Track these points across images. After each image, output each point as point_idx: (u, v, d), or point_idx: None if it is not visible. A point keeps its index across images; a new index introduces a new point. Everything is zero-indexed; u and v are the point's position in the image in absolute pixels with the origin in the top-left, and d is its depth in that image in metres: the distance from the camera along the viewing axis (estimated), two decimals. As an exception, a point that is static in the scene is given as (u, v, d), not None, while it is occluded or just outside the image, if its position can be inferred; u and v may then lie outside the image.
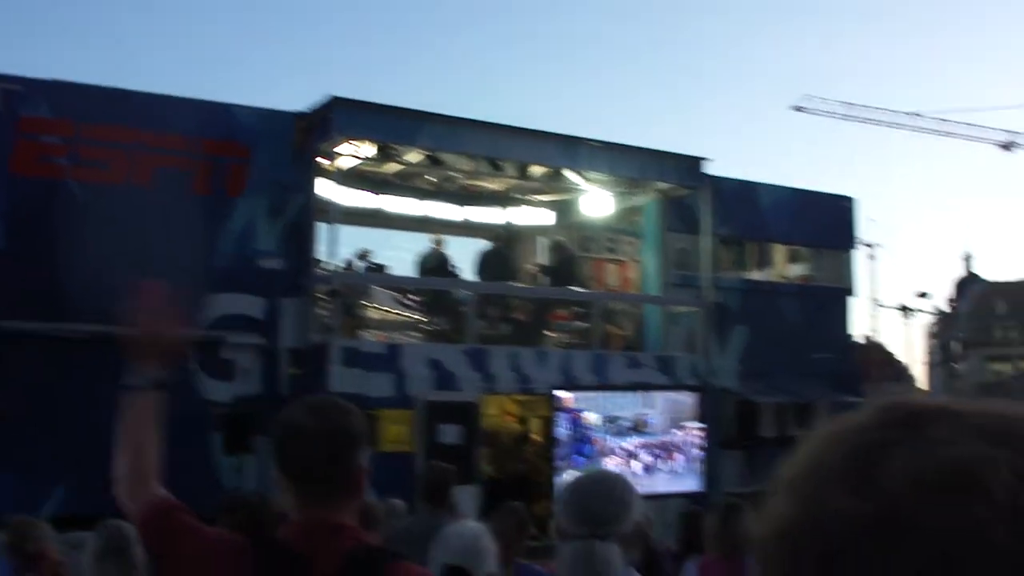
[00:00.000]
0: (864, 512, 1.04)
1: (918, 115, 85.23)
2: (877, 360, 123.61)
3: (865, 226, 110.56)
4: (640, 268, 25.39)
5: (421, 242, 23.65)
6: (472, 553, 5.15)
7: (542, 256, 26.05)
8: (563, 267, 23.14)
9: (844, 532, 1.04)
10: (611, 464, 18.11)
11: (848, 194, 28.83)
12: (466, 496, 16.36)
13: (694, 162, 23.89)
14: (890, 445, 1.08)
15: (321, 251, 20.66)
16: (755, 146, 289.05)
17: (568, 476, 17.73)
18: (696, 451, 19.28)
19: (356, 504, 3.48)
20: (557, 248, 23.46)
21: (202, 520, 3.62)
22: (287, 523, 3.40)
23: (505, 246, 23.60)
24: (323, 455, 3.33)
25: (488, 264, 22.65)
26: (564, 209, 26.39)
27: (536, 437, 21.11)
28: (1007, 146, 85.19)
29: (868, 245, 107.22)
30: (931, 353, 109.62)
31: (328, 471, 3.34)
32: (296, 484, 3.36)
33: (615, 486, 4.22)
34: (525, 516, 8.29)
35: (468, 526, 5.58)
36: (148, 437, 3.86)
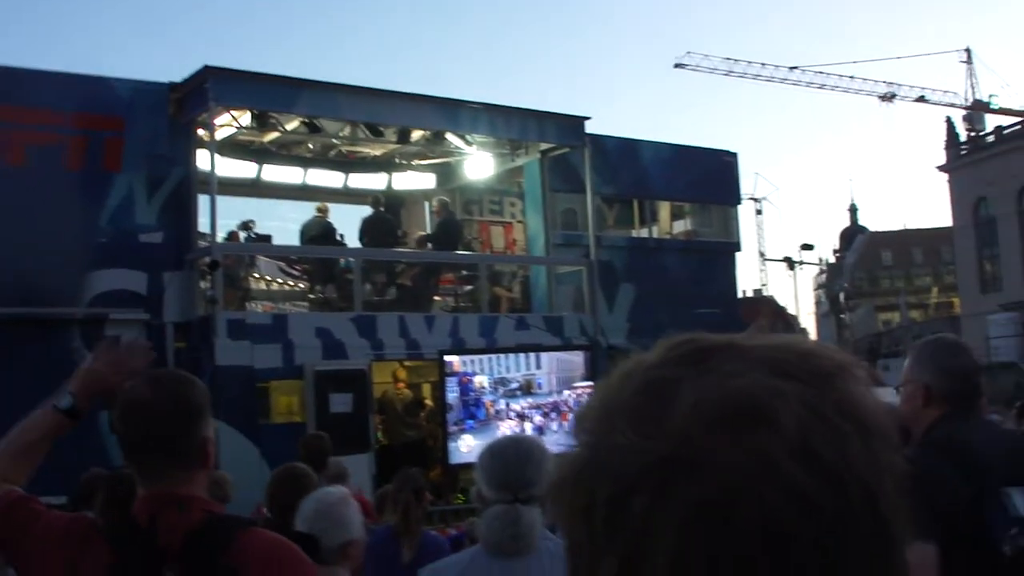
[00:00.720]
0: (652, 449, 1.02)
1: (798, 68, 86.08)
2: (768, 313, 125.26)
3: (751, 181, 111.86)
4: (525, 229, 25.41)
5: (305, 211, 23.47)
6: (327, 520, 5.07)
7: (428, 220, 26.03)
8: (446, 231, 23.06)
9: (634, 471, 1.03)
10: (503, 427, 18.12)
11: (731, 149, 29.06)
12: (359, 464, 16.34)
13: (575, 121, 23.90)
14: (676, 381, 1.07)
15: (203, 223, 20.38)
16: (639, 104, 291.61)
17: (469, 442, 17.77)
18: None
19: (203, 475, 3.45)
20: (439, 212, 23.37)
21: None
22: (138, 498, 3.36)
23: (386, 211, 23.47)
24: (163, 428, 3.32)
25: (370, 230, 22.52)
26: (447, 172, 26.37)
27: (429, 403, 21.09)
28: (887, 97, 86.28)
29: (755, 200, 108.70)
30: (819, 304, 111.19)
31: (169, 443, 3.32)
32: (139, 458, 3.37)
33: (532, 450, 4.32)
34: (422, 482, 8.27)
35: (329, 492, 5.51)
36: (33, 452, 3.91)
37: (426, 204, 26.64)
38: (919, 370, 4.52)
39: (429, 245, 23.42)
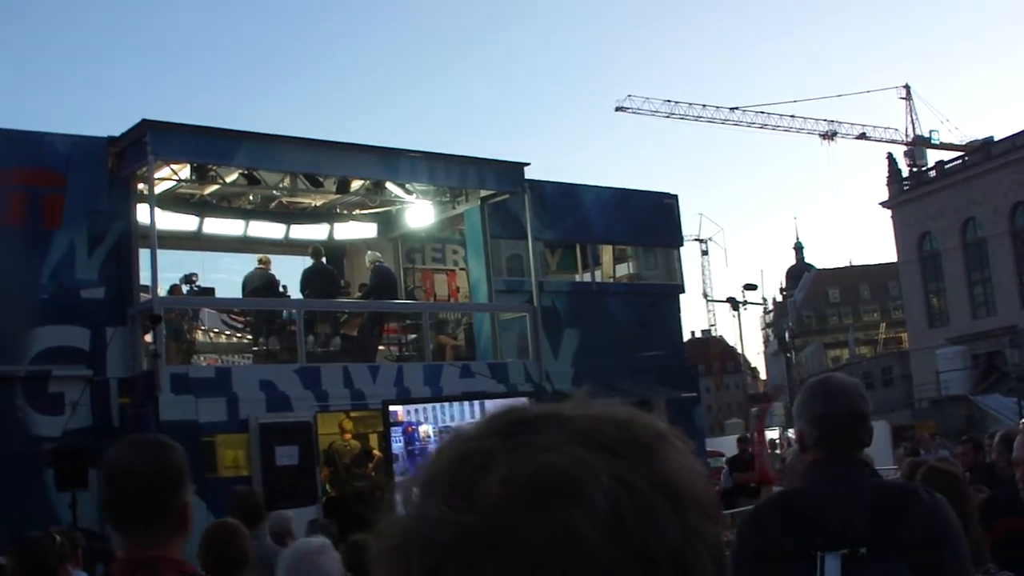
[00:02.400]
0: (462, 521, 1.04)
1: (739, 109, 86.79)
2: (717, 353, 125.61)
3: (696, 222, 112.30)
4: (468, 276, 25.44)
5: (247, 263, 23.45)
6: (306, 572, 5.12)
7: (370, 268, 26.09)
8: (382, 286, 23.04)
9: (446, 543, 1.04)
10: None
11: (670, 191, 29.23)
12: (306, 516, 16.27)
13: (515, 167, 24.01)
14: (489, 453, 1.08)
15: (144, 277, 20.30)
16: (581, 149, 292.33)
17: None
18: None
19: (181, 539, 3.52)
20: (374, 268, 23.33)
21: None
22: (114, 560, 3.44)
23: (328, 261, 23.46)
24: (144, 493, 3.39)
25: (311, 281, 22.51)
26: (388, 221, 26.38)
27: (377, 453, 21.02)
28: (829, 135, 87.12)
29: (700, 240, 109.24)
30: (767, 343, 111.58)
31: (149, 507, 3.39)
32: (120, 522, 3.45)
33: None
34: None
35: (308, 543, 5.55)
36: None
37: (368, 254, 26.70)
38: (796, 415, 4.48)
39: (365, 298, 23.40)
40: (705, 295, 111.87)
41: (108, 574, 2.92)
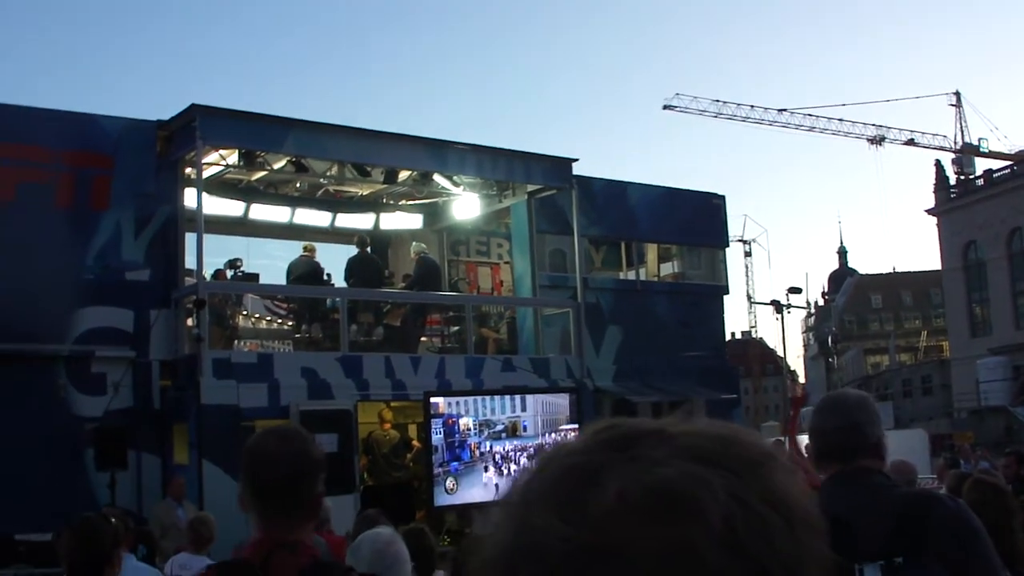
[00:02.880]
0: (574, 537, 1.01)
1: (787, 111, 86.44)
2: (757, 355, 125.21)
3: (740, 223, 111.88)
4: (512, 270, 25.43)
5: (292, 249, 23.47)
6: (385, 561, 5.11)
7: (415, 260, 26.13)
8: (426, 277, 23.03)
9: (556, 558, 1.01)
10: (488, 469, 18.07)
11: (718, 192, 29.13)
12: (344, 505, 16.27)
13: (563, 163, 23.98)
14: (600, 467, 1.06)
15: (189, 261, 20.40)
16: (627, 146, 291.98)
17: (453, 485, 17.71)
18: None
19: (311, 526, 3.78)
20: (419, 259, 23.32)
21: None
22: (251, 541, 3.63)
23: (373, 251, 23.47)
24: (287, 482, 3.58)
25: (356, 270, 22.52)
26: (434, 213, 26.38)
27: (416, 444, 21.00)
28: (877, 140, 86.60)
29: (743, 241, 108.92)
30: (807, 347, 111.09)
31: (289, 494, 3.58)
32: (262, 506, 3.61)
33: None
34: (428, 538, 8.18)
35: (380, 534, 5.54)
36: None
37: (412, 244, 26.71)
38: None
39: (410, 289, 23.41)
40: (749, 297, 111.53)
41: (244, 554, 3.00)
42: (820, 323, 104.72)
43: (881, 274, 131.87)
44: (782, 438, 26.88)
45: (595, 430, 1.12)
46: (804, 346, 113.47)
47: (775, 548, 1.02)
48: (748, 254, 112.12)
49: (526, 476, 1.12)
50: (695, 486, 1.02)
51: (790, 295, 46.53)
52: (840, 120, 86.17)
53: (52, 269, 18.84)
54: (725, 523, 1.00)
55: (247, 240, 25.30)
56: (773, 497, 1.06)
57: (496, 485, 18.08)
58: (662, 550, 0.99)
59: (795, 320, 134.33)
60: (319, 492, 3.67)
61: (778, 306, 42.31)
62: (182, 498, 17.47)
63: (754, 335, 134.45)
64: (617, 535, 1.00)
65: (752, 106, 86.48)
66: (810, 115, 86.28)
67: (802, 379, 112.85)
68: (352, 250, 23.13)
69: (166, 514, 16.55)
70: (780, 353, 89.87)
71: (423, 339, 23.66)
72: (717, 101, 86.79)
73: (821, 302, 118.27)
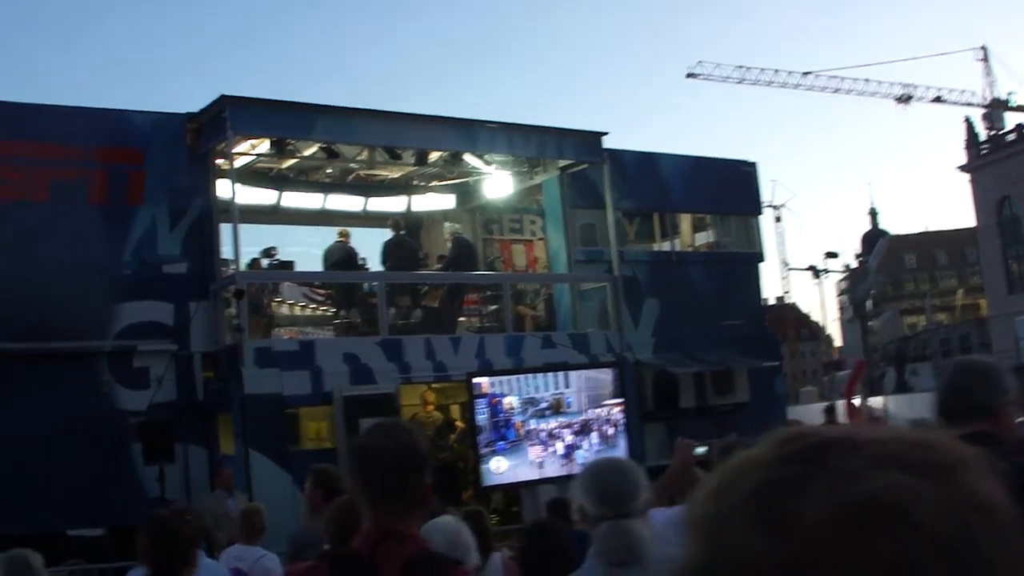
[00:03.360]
0: (782, 553, 1.00)
1: (812, 73, 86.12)
2: (792, 321, 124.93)
3: (769, 188, 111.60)
4: (546, 246, 25.38)
5: (326, 235, 23.56)
6: (457, 548, 5.21)
7: (449, 241, 26.16)
8: (462, 257, 23.04)
9: (760, 572, 1.01)
10: (534, 447, 18.09)
11: (749, 159, 28.99)
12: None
13: (593, 137, 23.89)
14: (800, 481, 1.04)
15: (225, 252, 20.46)
16: (652, 116, 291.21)
17: (500, 463, 17.71)
18: (617, 427, 19.24)
19: (420, 516, 3.99)
20: (453, 240, 23.35)
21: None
22: (361, 532, 3.81)
23: (407, 234, 23.46)
24: (395, 475, 3.77)
25: (392, 253, 22.54)
26: (466, 192, 26.37)
27: (459, 424, 21.03)
28: (904, 99, 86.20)
29: (773, 207, 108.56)
30: (843, 310, 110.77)
31: (397, 487, 3.77)
32: (371, 499, 3.80)
33: (628, 469, 4.73)
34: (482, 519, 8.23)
35: (447, 521, 5.64)
36: None
37: (446, 225, 26.72)
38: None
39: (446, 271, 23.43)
40: (785, 263, 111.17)
41: (355, 544, 3.13)
42: (854, 286, 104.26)
43: (914, 234, 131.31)
44: (831, 404, 27.00)
45: (780, 441, 1.11)
46: (840, 309, 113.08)
47: (987, 556, 1.01)
48: (778, 219, 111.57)
49: (713, 489, 1.10)
50: (905, 497, 1.01)
51: (827, 260, 46.39)
52: (866, 80, 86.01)
53: (90, 266, 18.93)
54: (939, 533, 1.00)
55: (280, 228, 25.46)
56: (978, 502, 1.04)
57: (542, 463, 18.12)
58: (877, 563, 0.98)
59: (828, 284, 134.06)
60: (426, 483, 3.83)
61: (815, 271, 42.18)
62: (231, 489, 17.58)
63: (787, 300, 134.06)
64: (828, 549, 0.99)
65: (776, 70, 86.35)
66: (835, 76, 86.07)
67: (838, 342, 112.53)
68: (386, 234, 23.13)
69: (217, 506, 16.65)
70: (816, 318, 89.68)
71: (461, 319, 23.68)
72: (740, 67, 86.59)
73: (854, 264, 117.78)
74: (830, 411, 24.65)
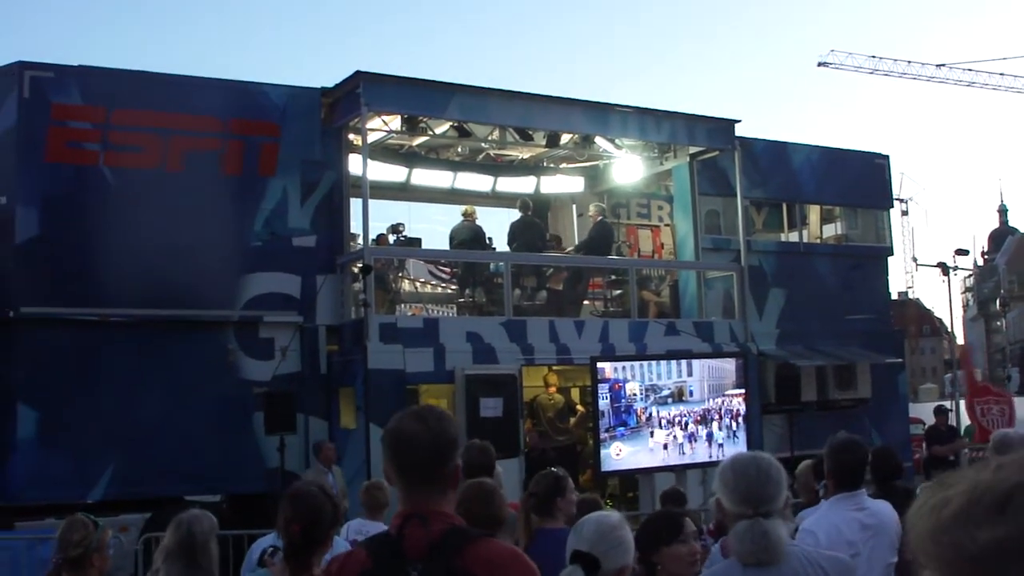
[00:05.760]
0: None
1: (945, 66, 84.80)
2: (914, 317, 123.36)
3: (897, 181, 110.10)
4: (673, 233, 25.25)
5: (453, 214, 23.63)
6: (608, 543, 5.03)
7: (575, 223, 26.11)
8: (601, 235, 23.04)
9: None
10: (655, 434, 17.98)
11: (881, 151, 28.58)
12: (509, 469, 16.30)
13: (725, 124, 23.68)
14: None
15: (355, 226, 20.60)
16: (782, 104, 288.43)
17: (620, 449, 17.65)
18: (738, 418, 19.07)
19: (452, 495, 4.05)
20: (595, 216, 23.34)
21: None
22: (395, 514, 3.97)
23: (534, 215, 23.46)
24: (424, 457, 3.90)
25: (519, 234, 22.59)
26: (595, 175, 26.33)
27: (580, 408, 21.01)
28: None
29: (900, 200, 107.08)
30: (966, 308, 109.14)
31: (427, 470, 3.90)
32: (404, 480, 3.94)
33: (771, 468, 4.72)
34: (564, 480, 8.05)
35: (608, 516, 5.52)
36: None
37: (573, 207, 26.62)
38: None
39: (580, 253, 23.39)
40: (914, 258, 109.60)
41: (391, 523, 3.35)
42: (979, 283, 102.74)
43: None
44: (946, 405, 26.68)
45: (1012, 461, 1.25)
46: (964, 307, 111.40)
47: None
48: (905, 213, 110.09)
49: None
50: None
51: (957, 256, 45.50)
52: (1001, 75, 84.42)
53: (221, 236, 19.17)
54: None
55: (408, 205, 25.57)
56: None
57: (663, 449, 18.02)
58: None
59: (953, 281, 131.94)
60: (455, 465, 3.96)
61: (945, 268, 41.38)
62: (331, 463, 17.72)
63: (910, 296, 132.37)
64: None
65: (909, 61, 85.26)
66: (970, 70, 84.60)
67: (960, 340, 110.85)
68: (513, 214, 23.17)
69: (317, 480, 16.75)
70: (947, 316, 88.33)
71: (585, 303, 23.64)
72: (873, 57, 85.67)
73: (980, 262, 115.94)
74: (940, 412, 24.22)
